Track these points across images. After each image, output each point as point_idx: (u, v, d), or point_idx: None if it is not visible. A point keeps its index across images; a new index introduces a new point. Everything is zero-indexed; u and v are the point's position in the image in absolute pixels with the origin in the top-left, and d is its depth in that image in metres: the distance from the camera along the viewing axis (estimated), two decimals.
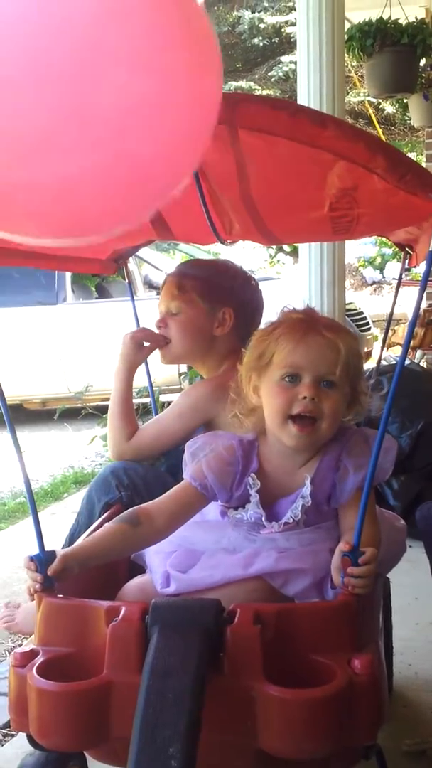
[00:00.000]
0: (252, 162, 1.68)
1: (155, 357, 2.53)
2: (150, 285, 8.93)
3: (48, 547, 1.74)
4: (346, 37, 5.06)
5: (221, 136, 1.59)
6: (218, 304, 2.40)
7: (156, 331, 2.50)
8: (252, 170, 1.72)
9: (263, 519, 1.86)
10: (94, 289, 9.19)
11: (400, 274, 2.57)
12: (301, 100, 3.76)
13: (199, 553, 1.89)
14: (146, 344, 2.51)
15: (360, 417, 1.92)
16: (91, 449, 6.43)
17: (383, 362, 4.92)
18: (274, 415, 1.82)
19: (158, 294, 2.52)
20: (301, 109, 1.58)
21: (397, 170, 1.49)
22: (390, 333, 6.85)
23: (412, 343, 6.85)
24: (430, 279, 1.58)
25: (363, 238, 10.55)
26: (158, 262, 8.79)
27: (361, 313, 8.84)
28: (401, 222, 1.90)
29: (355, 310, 8.68)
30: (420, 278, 1.79)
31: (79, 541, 1.95)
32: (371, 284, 14.19)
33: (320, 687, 1.49)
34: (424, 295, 1.73)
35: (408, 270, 2.65)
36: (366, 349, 8.64)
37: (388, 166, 1.48)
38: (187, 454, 1.90)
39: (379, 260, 14.00)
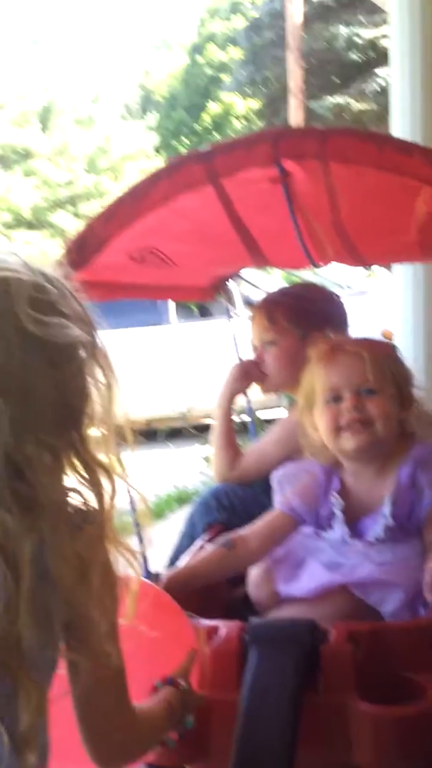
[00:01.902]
0: (342, 191, 1.73)
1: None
2: (249, 303, 8.98)
3: (154, 567, 1.81)
4: None
5: (313, 169, 1.64)
6: (310, 329, 2.42)
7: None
8: (342, 199, 1.76)
9: (347, 536, 1.89)
10: (196, 309, 9.32)
11: None
12: (395, 113, 3.74)
13: (301, 564, 1.93)
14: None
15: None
16: (194, 468, 6.52)
17: None
18: (328, 433, 1.89)
19: (251, 319, 2.55)
20: (388, 140, 1.63)
21: None
22: None
23: None
24: None
25: None
26: (257, 280, 8.85)
27: None
28: None
29: None
30: None
31: (181, 563, 2.02)
32: None
33: (413, 705, 1.51)
34: None
35: None
36: None
37: None
38: (274, 483, 1.98)
39: None
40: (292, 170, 1.72)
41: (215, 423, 2.59)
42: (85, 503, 1.10)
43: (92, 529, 1.08)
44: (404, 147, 1.56)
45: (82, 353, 1.10)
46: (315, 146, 1.60)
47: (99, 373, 1.13)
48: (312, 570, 1.85)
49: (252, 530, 1.97)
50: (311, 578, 1.84)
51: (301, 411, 1.98)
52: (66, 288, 1.11)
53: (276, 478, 2.02)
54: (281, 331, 2.44)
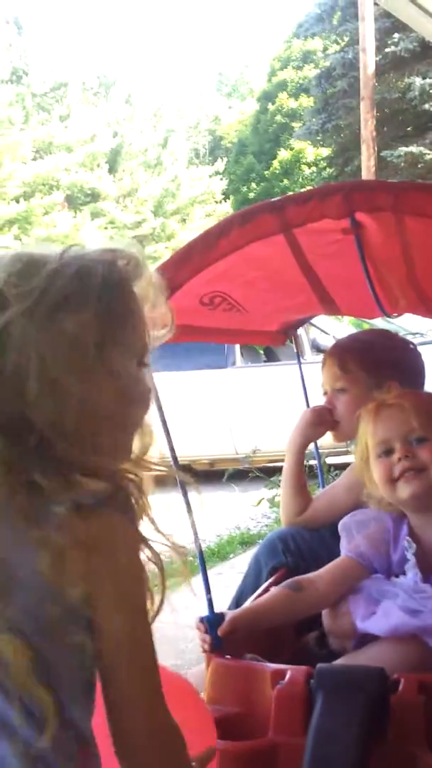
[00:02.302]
0: (417, 244, 1.75)
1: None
2: (318, 348, 8.98)
3: (215, 608, 1.83)
4: None
5: (386, 222, 1.67)
6: (383, 378, 2.41)
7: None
8: (417, 252, 1.79)
9: (420, 581, 1.89)
10: (262, 352, 9.36)
11: None
12: None
13: (377, 603, 1.93)
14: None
15: None
16: (257, 511, 6.51)
17: None
18: (383, 485, 1.92)
19: (322, 365, 2.56)
20: None
21: None
22: None
23: None
24: None
25: None
26: (326, 326, 8.87)
27: None
28: None
29: None
30: None
31: (247, 604, 2.03)
32: None
33: None
34: None
35: None
36: None
37: None
38: (341, 531, 1.99)
39: None
40: (365, 222, 1.74)
41: (286, 467, 2.60)
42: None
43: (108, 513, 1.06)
44: None
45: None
46: (389, 200, 1.63)
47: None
48: (388, 610, 1.85)
49: (320, 574, 1.98)
50: (387, 618, 1.83)
51: (359, 468, 2.02)
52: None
53: (343, 525, 2.04)
54: (353, 380, 2.43)
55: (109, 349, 1.07)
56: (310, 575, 1.98)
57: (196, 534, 1.89)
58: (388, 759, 1.52)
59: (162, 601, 1.13)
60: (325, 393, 2.53)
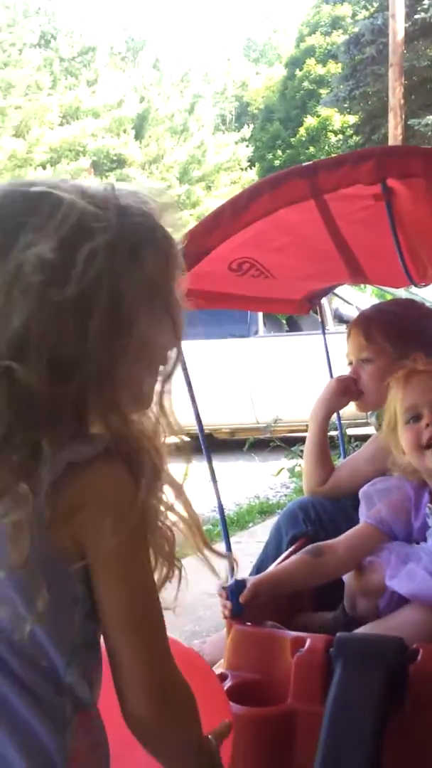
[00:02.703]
0: None
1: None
2: (340, 319, 8.94)
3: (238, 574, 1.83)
4: None
5: (418, 188, 1.64)
6: (409, 349, 2.38)
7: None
8: None
9: None
10: (285, 322, 9.33)
11: None
12: None
13: (405, 563, 1.93)
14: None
15: None
16: (277, 480, 6.52)
17: None
18: (411, 452, 1.91)
19: (347, 336, 2.54)
20: None
21: None
22: None
23: None
24: None
25: None
26: (349, 296, 8.81)
27: None
28: None
29: None
30: None
31: (268, 570, 2.04)
32: None
33: None
34: None
35: None
36: None
37: None
38: (362, 498, 1.99)
39: None
40: (397, 188, 1.72)
41: (309, 436, 2.59)
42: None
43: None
44: None
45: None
46: (421, 165, 1.60)
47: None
48: (412, 572, 1.84)
49: (340, 540, 1.98)
50: (411, 580, 1.83)
51: (385, 434, 2.01)
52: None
53: (364, 493, 2.04)
54: (378, 350, 2.41)
55: (171, 294, 1.07)
56: (331, 541, 1.98)
57: (219, 501, 1.89)
58: (406, 728, 1.52)
59: (172, 569, 1.11)
60: (350, 363, 2.52)
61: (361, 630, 1.87)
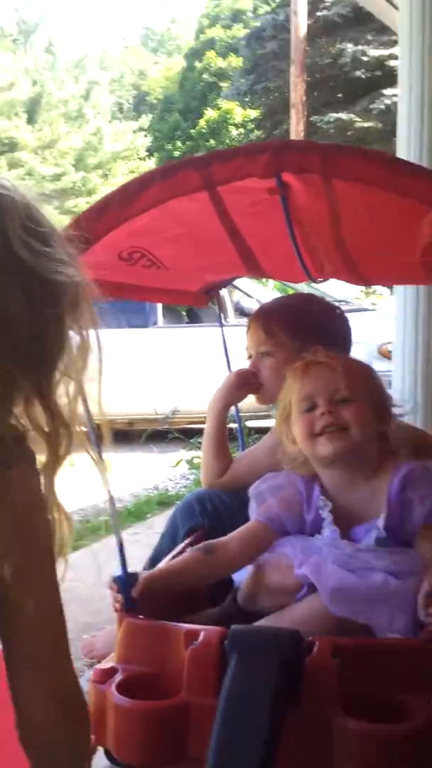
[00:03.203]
0: (344, 208, 1.73)
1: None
2: (241, 312, 8.98)
3: (129, 567, 1.81)
4: None
5: (314, 184, 1.65)
6: (308, 342, 2.40)
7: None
8: (344, 215, 1.77)
9: (338, 537, 1.90)
10: (185, 313, 9.32)
11: None
12: (401, 133, 3.76)
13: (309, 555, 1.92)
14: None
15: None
16: (175, 472, 6.52)
17: None
18: (303, 440, 1.93)
19: (247, 329, 2.54)
20: (395, 161, 1.64)
21: None
22: None
23: None
24: None
25: None
26: (250, 289, 8.86)
27: None
28: None
29: None
30: None
31: (161, 565, 2.03)
32: None
33: (400, 724, 1.51)
34: None
35: None
36: None
37: None
38: (251, 495, 1.99)
39: None
40: (292, 183, 1.72)
41: (207, 428, 2.59)
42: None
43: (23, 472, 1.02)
44: (412, 169, 1.57)
45: (65, 300, 1.04)
46: (318, 162, 1.61)
47: (78, 327, 1.08)
48: (318, 563, 1.84)
49: (231, 537, 1.97)
50: (318, 569, 1.82)
51: (278, 424, 2.02)
52: (57, 231, 1.08)
53: (254, 490, 2.03)
54: (278, 344, 2.42)
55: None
56: (223, 539, 1.97)
57: (110, 493, 1.86)
58: (301, 721, 1.52)
59: (66, 561, 1.09)
60: (250, 357, 2.53)
61: (260, 623, 1.88)
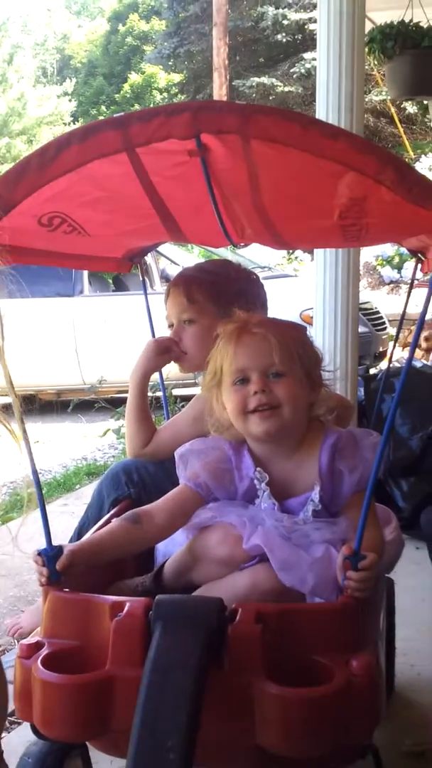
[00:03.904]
0: (264, 170, 1.70)
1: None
2: (167, 279, 8.93)
3: (58, 539, 1.78)
4: (367, 39, 5.03)
5: (233, 146, 1.61)
6: (229, 307, 2.39)
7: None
8: (264, 178, 1.74)
9: (276, 509, 1.90)
10: (111, 281, 9.24)
11: (413, 278, 2.60)
12: (320, 97, 3.75)
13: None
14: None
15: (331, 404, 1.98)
16: (104, 441, 6.49)
17: (396, 364, 4.95)
18: (235, 415, 1.91)
19: (166, 297, 2.51)
20: (313, 121, 1.60)
21: (405, 183, 1.51)
22: (406, 333, 6.87)
23: (425, 346, 6.87)
24: None
25: None
26: (176, 256, 8.82)
27: (377, 312, 8.86)
28: (409, 232, 1.93)
29: (371, 309, 8.71)
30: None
31: (86, 537, 2.00)
32: (388, 283, 14.16)
33: (318, 687, 1.53)
34: None
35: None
36: (381, 349, 8.65)
37: (397, 179, 1.51)
38: (177, 459, 1.97)
39: (397, 259, 13.96)
40: (212, 145, 1.68)
41: (129, 398, 2.56)
42: None
43: None
44: (330, 131, 1.55)
45: None
46: (237, 122, 1.57)
47: None
48: (265, 532, 1.85)
49: (158, 505, 1.95)
50: (267, 537, 1.83)
51: (208, 388, 1.99)
52: None
53: (180, 453, 2.00)
54: (200, 310, 2.41)
55: None
56: (148, 507, 1.95)
57: (33, 463, 1.81)
58: (224, 688, 1.53)
59: None
60: (171, 325, 2.50)
61: (196, 593, 1.88)
